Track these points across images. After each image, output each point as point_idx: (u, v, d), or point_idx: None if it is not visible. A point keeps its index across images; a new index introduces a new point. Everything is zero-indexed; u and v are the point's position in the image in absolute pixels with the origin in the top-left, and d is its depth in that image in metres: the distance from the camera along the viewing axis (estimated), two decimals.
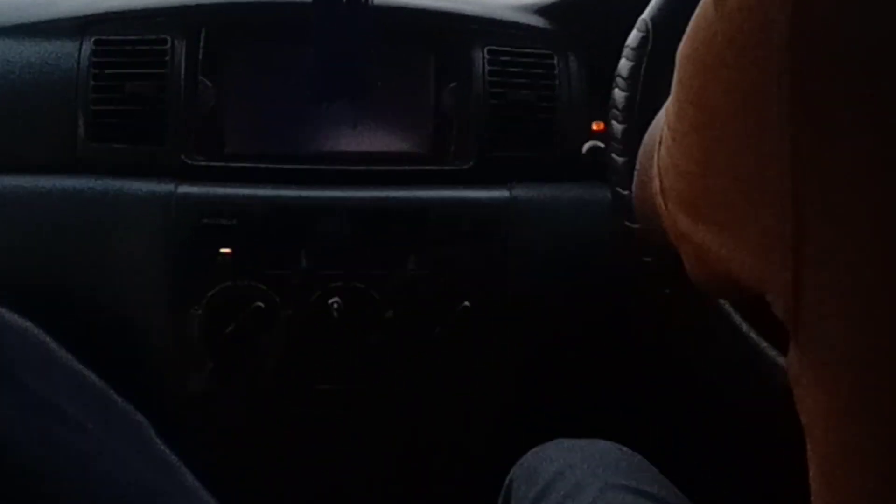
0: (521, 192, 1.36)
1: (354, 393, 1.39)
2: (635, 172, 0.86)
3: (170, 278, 1.32)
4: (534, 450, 1.07)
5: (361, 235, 1.34)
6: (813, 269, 0.49)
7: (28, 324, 0.49)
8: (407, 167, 1.37)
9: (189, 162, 1.33)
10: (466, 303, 1.33)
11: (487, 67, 1.36)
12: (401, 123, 1.38)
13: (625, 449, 1.03)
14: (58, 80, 1.33)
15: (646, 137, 0.81)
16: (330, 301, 1.32)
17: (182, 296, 1.32)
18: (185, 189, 1.32)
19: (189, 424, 1.36)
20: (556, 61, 1.38)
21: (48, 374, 0.45)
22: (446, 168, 1.38)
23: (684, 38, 0.59)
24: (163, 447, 0.48)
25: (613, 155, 1.07)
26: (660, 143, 0.63)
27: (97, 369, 0.57)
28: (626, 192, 1.06)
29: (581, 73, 1.39)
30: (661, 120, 0.65)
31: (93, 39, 1.33)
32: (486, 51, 1.37)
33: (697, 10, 0.57)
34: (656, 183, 0.64)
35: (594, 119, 1.36)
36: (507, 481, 1.06)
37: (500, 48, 1.38)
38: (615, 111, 1.08)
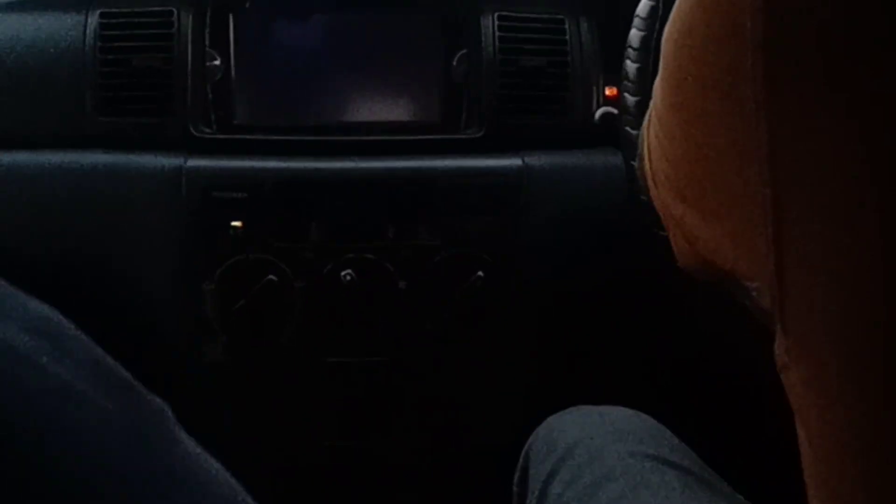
0: (534, 159, 1.35)
1: (368, 364, 1.39)
2: (639, 147, 0.85)
3: (182, 252, 1.31)
4: (552, 417, 1.06)
5: (373, 206, 1.33)
6: (794, 257, 0.48)
7: (45, 306, 0.49)
8: (418, 136, 1.36)
9: (198, 134, 1.32)
10: (480, 272, 1.32)
11: (498, 34, 1.35)
12: (411, 92, 1.37)
13: (644, 416, 1.03)
14: (65, 54, 1.32)
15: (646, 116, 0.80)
16: (342, 273, 1.31)
17: (194, 269, 1.31)
18: (194, 162, 1.31)
19: (203, 397, 1.35)
20: (567, 26, 1.36)
21: (68, 357, 0.45)
22: (458, 137, 1.36)
23: (670, 16, 0.58)
24: (183, 431, 0.48)
25: (627, 128, 1.06)
26: (649, 121, 0.62)
27: (111, 344, 0.57)
28: (635, 132, 1.05)
29: (593, 38, 1.37)
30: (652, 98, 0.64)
31: (98, 12, 1.32)
32: (495, 17, 1.35)
33: None
34: (646, 162, 0.63)
35: (607, 84, 1.35)
36: (525, 449, 1.06)
37: (510, 14, 1.36)
38: (627, 83, 1.06)
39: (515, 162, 1.34)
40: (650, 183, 0.63)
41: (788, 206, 0.47)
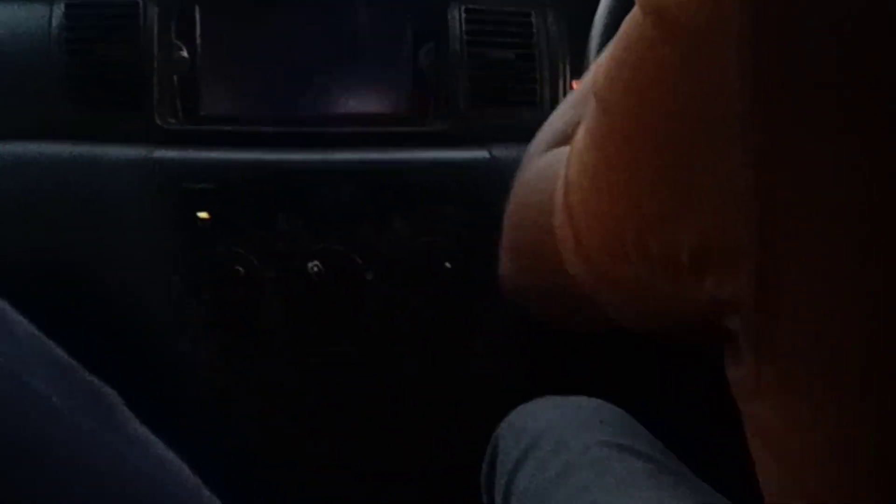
0: (501, 152, 1.35)
1: (337, 356, 1.39)
2: (505, 225, 0.82)
3: (149, 243, 1.31)
4: (520, 407, 1.07)
5: (340, 198, 1.33)
6: (785, 286, 0.47)
7: None
8: (385, 129, 1.36)
9: (165, 126, 1.32)
10: (448, 263, 1.32)
11: (465, 27, 1.35)
12: (378, 84, 1.37)
13: (610, 406, 1.03)
14: (30, 46, 1.32)
15: (527, 186, 0.76)
16: (309, 264, 1.31)
17: (161, 261, 1.31)
18: (161, 153, 1.31)
19: (174, 389, 1.35)
20: (533, 19, 1.37)
21: (9, 344, 0.43)
22: (425, 129, 1.36)
23: (607, 59, 0.55)
24: (132, 418, 0.46)
25: None
26: (566, 190, 0.60)
27: (76, 336, 0.56)
28: None
29: (559, 31, 1.38)
30: (561, 164, 0.61)
31: (63, 4, 1.32)
32: (463, 10, 1.35)
33: (628, 28, 0.53)
34: (564, 231, 0.60)
35: (574, 77, 1.36)
36: (493, 439, 1.06)
37: (478, 7, 1.36)
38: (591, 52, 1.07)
39: (482, 154, 1.35)
40: (568, 248, 0.60)
41: (779, 237, 0.47)
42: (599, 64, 0.57)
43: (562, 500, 0.90)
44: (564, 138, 0.71)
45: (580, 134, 0.59)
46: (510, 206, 0.77)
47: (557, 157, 0.66)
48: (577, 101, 0.78)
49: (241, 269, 1.30)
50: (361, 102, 1.37)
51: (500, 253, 0.78)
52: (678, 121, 0.50)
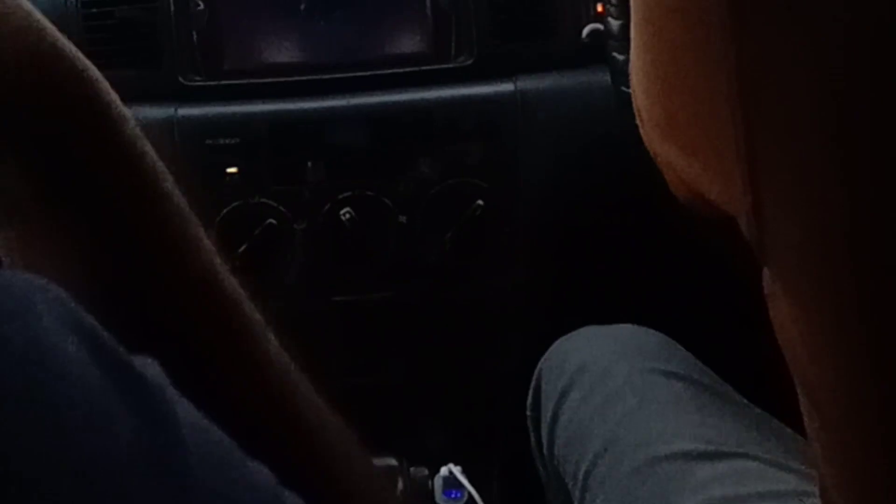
0: (526, 83, 1.33)
1: (373, 301, 1.39)
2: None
3: None
4: (561, 339, 1.07)
5: (368, 142, 1.32)
6: (770, 192, 0.47)
7: None
8: (408, 69, 1.34)
9: (187, 83, 1.31)
10: (480, 200, 1.31)
11: None
12: (399, 24, 1.35)
13: (652, 332, 1.03)
14: (46, 10, 1.30)
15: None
16: (342, 212, 1.31)
17: None
18: (185, 111, 1.30)
19: None
20: None
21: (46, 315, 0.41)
22: (449, 66, 1.34)
23: None
24: (177, 400, 0.41)
25: (613, 53, 1.05)
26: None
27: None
28: (621, 57, 1.03)
29: None
30: None
31: None
32: None
33: None
34: (634, 98, 0.62)
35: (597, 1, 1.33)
36: (536, 373, 1.06)
37: None
38: (610, 7, 1.04)
39: (508, 87, 1.33)
40: (638, 121, 0.62)
41: (761, 141, 0.46)
42: None
43: (607, 428, 0.90)
44: None
45: None
46: None
47: None
48: None
49: (273, 220, 1.30)
50: (384, 44, 1.35)
51: None
52: (673, 14, 0.50)
